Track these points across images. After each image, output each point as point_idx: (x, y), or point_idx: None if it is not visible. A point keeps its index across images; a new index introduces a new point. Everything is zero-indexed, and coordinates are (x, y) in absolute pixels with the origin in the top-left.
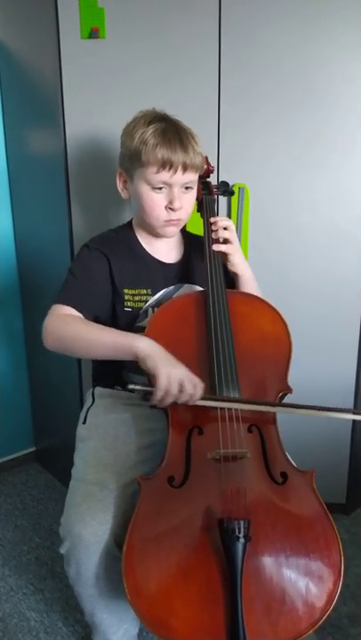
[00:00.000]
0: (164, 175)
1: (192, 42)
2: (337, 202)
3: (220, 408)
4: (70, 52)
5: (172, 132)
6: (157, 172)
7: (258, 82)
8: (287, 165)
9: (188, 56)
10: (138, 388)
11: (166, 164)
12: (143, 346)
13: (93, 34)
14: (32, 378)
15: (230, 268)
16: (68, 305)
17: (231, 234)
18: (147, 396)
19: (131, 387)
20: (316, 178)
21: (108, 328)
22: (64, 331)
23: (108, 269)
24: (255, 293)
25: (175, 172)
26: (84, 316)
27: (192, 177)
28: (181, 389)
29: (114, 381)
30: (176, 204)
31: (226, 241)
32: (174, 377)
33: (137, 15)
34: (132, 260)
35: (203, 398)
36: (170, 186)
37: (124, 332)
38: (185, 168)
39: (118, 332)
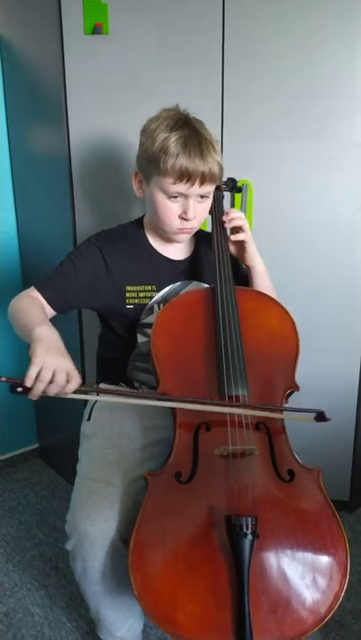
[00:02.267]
0: (181, 187)
1: (195, 37)
2: (341, 197)
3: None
4: (73, 48)
5: (194, 143)
6: (174, 183)
7: (261, 78)
8: (291, 161)
9: (192, 51)
10: (2, 379)
11: (184, 177)
12: (38, 331)
13: (97, 29)
14: None
15: (247, 259)
16: (38, 290)
17: (245, 222)
18: (15, 387)
19: (3, 379)
20: (320, 173)
21: (33, 311)
22: (12, 306)
23: (102, 267)
24: (270, 286)
25: (193, 184)
26: (48, 304)
27: (209, 189)
28: (52, 380)
29: (118, 378)
30: (190, 214)
31: (241, 230)
32: (48, 364)
33: (140, 11)
34: (135, 257)
35: (196, 402)
36: (186, 196)
37: (41, 320)
38: (203, 181)
39: (37, 317)
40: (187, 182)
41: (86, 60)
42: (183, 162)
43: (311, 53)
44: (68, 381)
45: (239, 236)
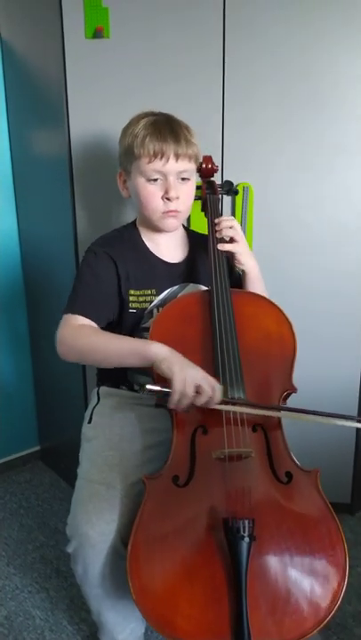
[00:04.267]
0: (157, 164)
1: (197, 41)
2: (342, 201)
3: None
4: (74, 52)
5: (162, 123)
6: (150, 161)
7: (262, 82)
8: (292, 165)
9: (193, 56)
10: (155, 389)
11: (158, 153)
12: (157, 350)
13: (98, 33)
14: (36, 377)
15: (238, 266)
16: (79, 314)
17: (236, 232)
18: (164, 397)
19: (149, 387)
20: (321, 177)
21: (120, 336)
22: (78, 343)
23: (115, 272)
24: (262, 292)
25: (167, 160)
26: (96, 324)
27: (186, 166)
28: (199, 391)
29: (119, 381)
30: (172, 193)
31: (232, 240)
32: (190, 379)
33: (141, 15)
34: (136, 261)
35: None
36: (165, 176)
37: (137, 339)
38: (177, 156)
39: (131, 339)
40: (161, 158)
41: (87, 64)
42: (154, 139)
43: (313, 61)
44: (212, 389)
45: (225, 247)
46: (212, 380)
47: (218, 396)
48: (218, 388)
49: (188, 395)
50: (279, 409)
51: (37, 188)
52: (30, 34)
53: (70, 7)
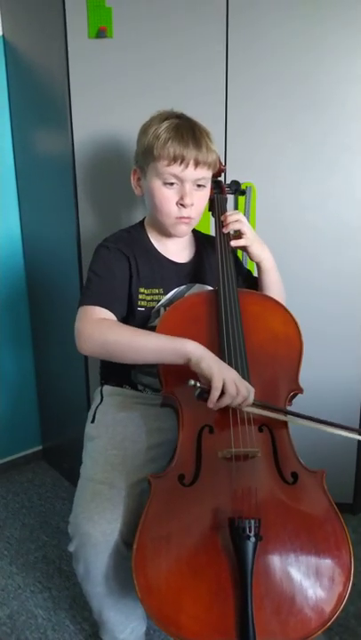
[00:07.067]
0: (176, 169)
1: (200, 42)
2: (345, 200)
3: (232, 408)
4: (78, 52)
5: (186, 128)
6: (169, 165)
7: (265, 82)
8: (295, 165)
9: (196, 56)
10: (199, 385)
11: (178, 158)
12: (193, 349)
13: (101, 33)
14: (39, 376)
15: (252, 257)
16: (97, 306)
17: (243, 225)
18: (203, 394)
19: (192, 382)
20: (324, 177)
21: (150, 332)
22: (106, 336)
23: (128, 269)
24: (277, 282)
25: (187, 166)
26: (115, 316)
27: (204, 173)
28: (237, 392)
29: (122, 380)
30: (187, 200)
31: (240, 233)
32: (230, 378)
33: (145, 15)
34: (146, 260)
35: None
36: (181, 181)
37: (169, 336)
38: (197, 163)
39: (163, 336)
40: (181, 164)
41: (91, 64)
42: (176, 143)
43: (315, 61)
44: (248, 390)
45: (240, 242)
46: (245, 382)
47: (251, 398)
48: (252, 390)
49: (230, 393)
50: (286, 412)
51: (40, 188)
52: (33, 34)
53: (73, 7)
